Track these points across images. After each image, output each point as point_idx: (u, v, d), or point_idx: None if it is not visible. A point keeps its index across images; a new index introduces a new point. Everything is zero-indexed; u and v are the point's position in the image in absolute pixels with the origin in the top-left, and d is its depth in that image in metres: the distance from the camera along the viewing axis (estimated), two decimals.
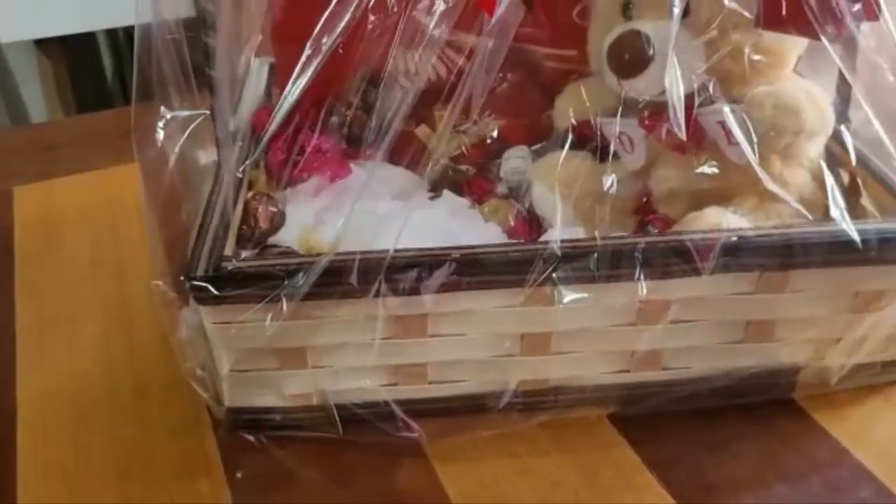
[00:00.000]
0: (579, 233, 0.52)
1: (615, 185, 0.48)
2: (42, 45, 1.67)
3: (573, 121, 0.58)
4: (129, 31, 1.75)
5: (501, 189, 0.61)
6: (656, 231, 0.53)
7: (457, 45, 0.59)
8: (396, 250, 0.43)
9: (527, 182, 0.59)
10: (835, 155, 0.54)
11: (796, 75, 0.52)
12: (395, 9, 0.49)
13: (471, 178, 0.61)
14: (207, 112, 0.49)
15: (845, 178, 0.54)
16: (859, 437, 0.49)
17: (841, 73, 0.52)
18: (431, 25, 0.53)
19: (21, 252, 0.68)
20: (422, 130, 0.62)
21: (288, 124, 0.59)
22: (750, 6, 0.48)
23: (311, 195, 0.57)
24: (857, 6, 0.45)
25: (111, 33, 1.89)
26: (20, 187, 0.76)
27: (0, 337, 0.58)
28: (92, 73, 1.91)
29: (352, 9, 0.45)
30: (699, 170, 0.48)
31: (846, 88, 0.54)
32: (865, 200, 0.52)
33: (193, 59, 0.53)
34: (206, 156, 0.56)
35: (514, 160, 0.61)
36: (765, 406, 0.51)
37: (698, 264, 0.44)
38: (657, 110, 0.50)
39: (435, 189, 0.61)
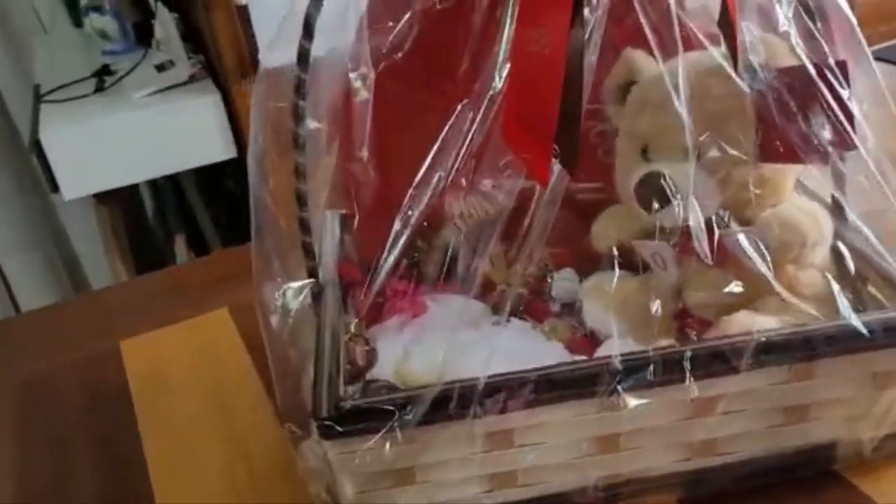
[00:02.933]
0: (630, 343, 0.61)
1: (660, 309, 0.57)
2: (98, 198, 1.82)
3: (612, 244, 0.68)
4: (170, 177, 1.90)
5: (554, 308, 0.71)
6: (694, 333, 0.62)
7: (503, 189, 0.70)
8: (489, 376, 0.53)
9: (578, 301, 0.69)
10: (841, 253, 0.63)
11: (796, 195, 0.62)
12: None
13: (527, 301, 0.71)
14: (314, 280, 0.59)
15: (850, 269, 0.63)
16: None
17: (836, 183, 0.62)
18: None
19: (138, 398, 0.77)
20: (481, 263, 0.72)
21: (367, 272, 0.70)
22: (747, 147, 0.58)
23: (396, 331, 0.67)
24: (834, 139, 0.54)
25: (151, 182, 2.05)
26: (126, 341, 0.86)
27: (135, 468, 0.67)
28: (137, 218, 2.06)
29: (431, 188, 0.55)
30: (728, 289, 0.57)
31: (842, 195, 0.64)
32: (871, 288, 0.61)
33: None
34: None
35: (563, 282, 0.71)
36: (811, 479, 0.59)
37: (735, 364, 0.53)
38: (686, 236, 0.60)
39: (496, 311, 0.71)
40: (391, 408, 0.53)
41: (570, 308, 0.70)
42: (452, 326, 0.66)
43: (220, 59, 1.70)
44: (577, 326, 0.67)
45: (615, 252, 0.66)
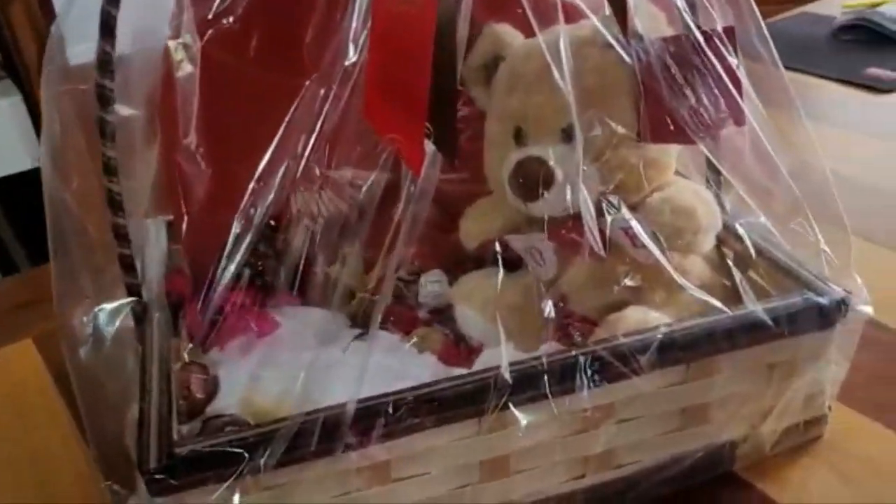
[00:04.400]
0: (510, 350, 0.54)
1: (548, 311, 0.51)
2: None
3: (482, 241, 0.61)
4: None
5: (422, 314, 0.63)
6: (579, 334, 0.56)
7: (357, 182, 0.61)
8: (359, 401, 0.44)
9: (447, 305, 0.61)
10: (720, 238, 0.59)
11: (678, 177, 0.57)
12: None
13: (390, 308, 0.63)
14: (136, 299, 0.48)
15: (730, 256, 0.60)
16: (800, 498, 0.53)
17: (709, 164, 0.58)
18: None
19: None
20: (334, 269, 0.63)
21: (199, 284, 0.59)
22: (630, 124, 0.52)
23: (239, 354, 0.56)
24: (724, 113, 0.50)
25: None
26: None
27: None
28: None
29: (278, 179, 0.46)
30: (623, 283, 0.52)
31: (716, 177, 0.60)
32: (753, 273, 0.58)
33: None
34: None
35: (431, 285, 0.63)
36: (710, 484, 0.54)
37: (636, 367, 0.47)
38: (566, 227, 0.54)
39: (355, 323, 0.62)
40: (240, 450, 0.43)
41: (440, 314, 0.62)
42: (306, 344, 0.57)
43: (20, 56, 1.51)
44: (449, 334, 0.60)
45: (490, 250, 0.59)
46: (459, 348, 0.59)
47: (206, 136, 0.46)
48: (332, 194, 0.62)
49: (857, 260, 0.51)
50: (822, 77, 1.16)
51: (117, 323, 0.47)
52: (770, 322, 0.48)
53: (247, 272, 0.62)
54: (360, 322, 0.62)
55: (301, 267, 0.62)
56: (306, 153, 0.45)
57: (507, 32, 0.58)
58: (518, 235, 0.58)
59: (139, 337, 0.53)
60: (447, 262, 0.64)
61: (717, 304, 0.49)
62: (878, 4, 1.31)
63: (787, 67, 0.53)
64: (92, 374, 0.50)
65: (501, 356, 0.47)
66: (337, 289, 0.62)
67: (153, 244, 0.64)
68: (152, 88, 0.52)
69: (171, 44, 0.44)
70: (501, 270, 0.54)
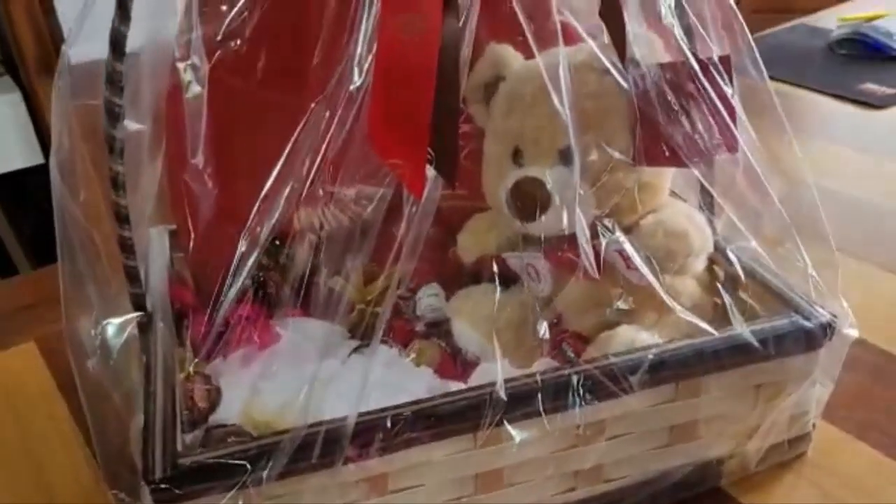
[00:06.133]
0: (505, 365, 0.55)
1: (547, 332, 0.52)
2: None
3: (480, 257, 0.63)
4: None
5: (419, 327, 0.64)
6: (571, 350, 0.57)
7: (361, 197, 0.62)
8: (359, 415, 0.45)
9: (444, 319, 0.63)
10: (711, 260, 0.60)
11: (672, 199, 0.59)
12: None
13: (388, 320, 0.64)
14: (142, 314, 0.49)
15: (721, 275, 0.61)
16: None
17: (702, 188, 0.60)
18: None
19: None
20: (335, 282, 0.65)
21: (203, 298, 0.60)
22: (626, 148, 0.54)
23: (239, 366, 0.58)
24: (717, 140, 0.51)
25: None
26: None
27: None
28: None
29: (283, 199, 0.47)
30: (615, 306, 0.53)
31: (709, 201, 0.61)
32: (743, 294, 0.59)
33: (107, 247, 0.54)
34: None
35: (428, 298, 0.64)
36: (697, 498, 0.56)
37: (626, 386, 0.49)
38: (561, 246, 0.55)
39: (354, 335, 0.63)
40: (243, 461, 0.44)
41: (436, 327, 0.64)
42: (306, 357, 0.58)
43: (20, 54, 1.51)
44: (446, 347, 0.61)
45: (486, 266, 0.61)
46: (456, 362, 0.60)
47: (214, 156, 0.47)
48: (335, 210, 0.64)
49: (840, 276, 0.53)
50: (815, 91, 1.16)
51: (124, 336, 0.49)
52: (757, 344, 0.50)
53: (247, 283, 0.63)
54: (359, 333, 0.63)
55: (301, 280, 0.63)
56: (311, 174, 0.46)
57: (509, 53, 0.59)
58: (515, 253, 0.60)
59: (143, 347, 0.54)
60: (444, 276, 0.66)
61: (705, 325, 0.51)
62: (874, 19, 1.33)
63: (780, 80, 0.55)
64: (97, 384, 0.51)
65: (497, 374, 0.49)
66: (339, 301, 0.63)
67: (157, 253, 0.65)
68: (158, 101, 0.53)
69: (181, 65, 0.46)
70: (498, 289, 0.55)
